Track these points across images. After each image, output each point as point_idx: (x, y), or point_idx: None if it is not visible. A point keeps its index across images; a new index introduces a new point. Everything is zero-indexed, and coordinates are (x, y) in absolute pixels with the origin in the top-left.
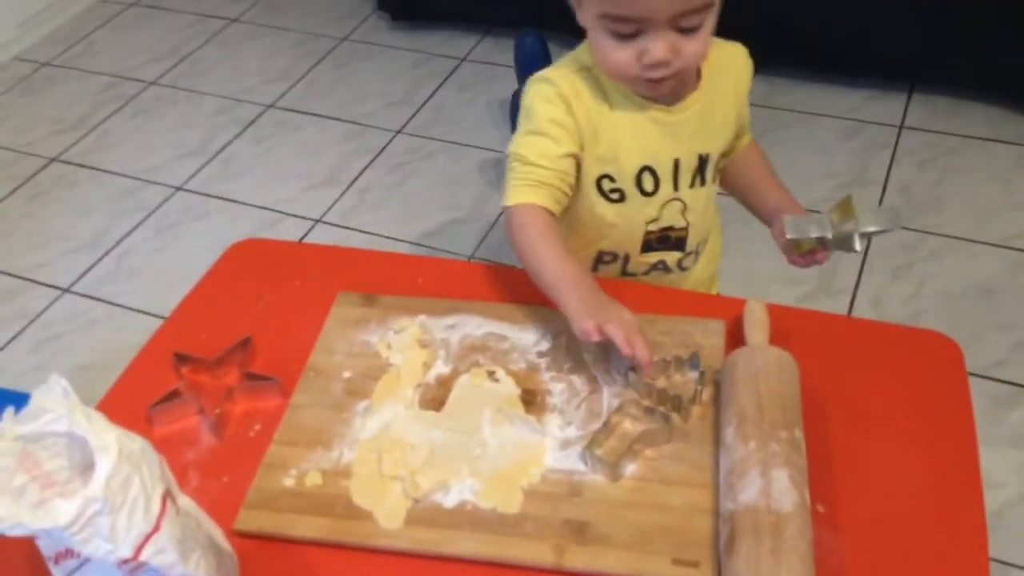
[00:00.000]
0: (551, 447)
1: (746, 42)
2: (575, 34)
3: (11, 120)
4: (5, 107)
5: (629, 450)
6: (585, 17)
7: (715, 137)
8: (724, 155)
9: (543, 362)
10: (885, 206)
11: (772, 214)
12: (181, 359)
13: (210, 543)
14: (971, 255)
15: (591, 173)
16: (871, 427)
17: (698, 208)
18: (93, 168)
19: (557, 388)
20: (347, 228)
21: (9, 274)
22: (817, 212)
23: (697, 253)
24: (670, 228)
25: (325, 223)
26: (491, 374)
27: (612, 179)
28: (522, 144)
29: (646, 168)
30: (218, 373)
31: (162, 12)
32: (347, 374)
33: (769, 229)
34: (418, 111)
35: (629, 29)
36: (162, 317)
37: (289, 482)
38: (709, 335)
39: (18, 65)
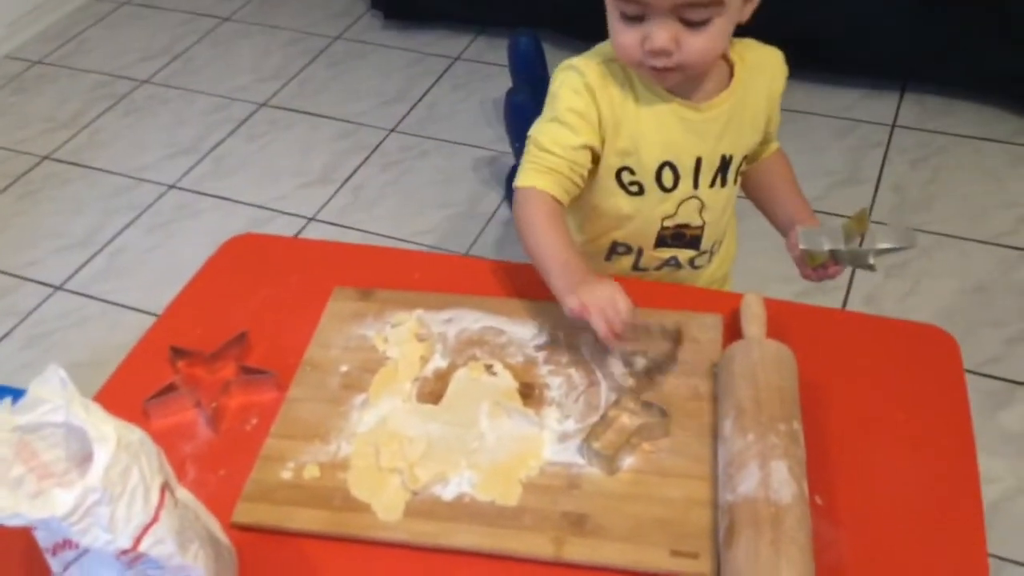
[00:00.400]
0: (549, 440)
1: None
2: (569, 34)
3: (2, 118)
4: None
5: (627, 443)
6: None
7: (741, 139)
8: (748, 158)
9: (541, 356)
10: (900, 224)
11: (787, 224)
12: (177, 353)
13: (208, 535)
14: (963, 253)
15: (611, 164)
16: (868, 420)
17: (716, 208)
18: (85, 166)
19: (555, 382)
20: (341, 226)
21: (1, 272)
22: (831, 223)
23: (712, 253)
24: (686, 226)
25: (318, 221)
26: (489, 368)
27: (632, 171)
28: (541, 130)
29: (667, 164)
30: (214, 367)
31: (154, 10)
32: (344, 368)
33: (784, 239)
34: (412, 109)
35: (634, 11)
36: (155, 315)
37: (287, 475)
38: (706, 329)
39: (9, 63)
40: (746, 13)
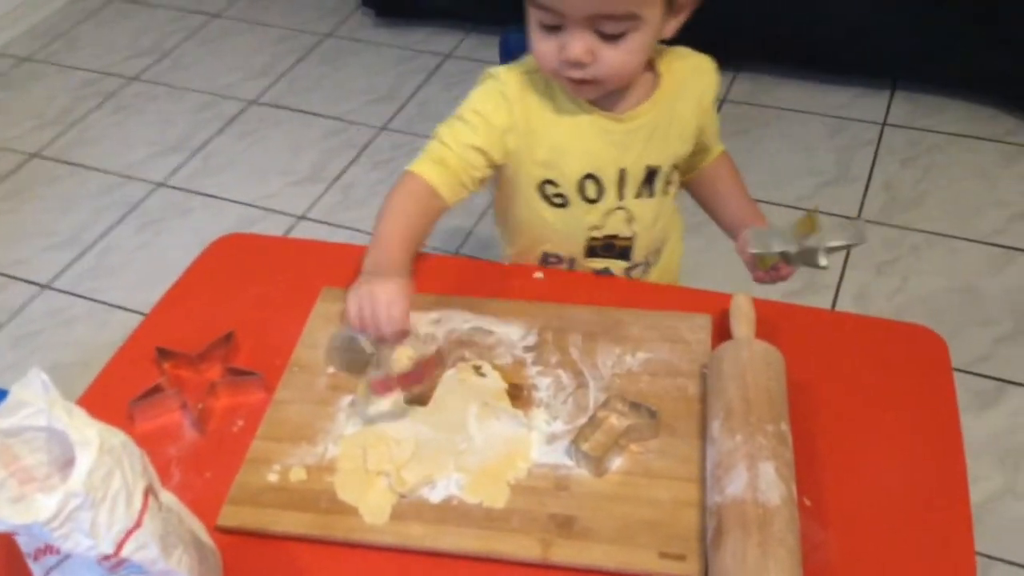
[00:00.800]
0: (537, 441)
1: (731, 40)
2: None
3: None
4: None
5: (615, 445)
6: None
7: (667, 149)
8: (681, 168)
9: (529, 357)
10: (849, 220)
11: (735, 227)
12: (163, 354)
13: (193, 539)
14: (953, 251)
15: (533, 175)
16: (857, 421)
17: (646, 219)
18: (73, 164)
19: (543, 383)
20: (331, 224)
21: None
22: (781, 223)
23: (648, 264)
24: (615, 236)
25: (308, 220)
26: (477, 369)
27: (555, 184)
28: (445, 124)
29: (589, 175)
30: (200, 368)
31: (143, 8)
32: (331, 369)
33: (734, 243)
34: (402, 107)
35: (550, 20)
36: (143, 314)
37: (273, 477)
38: (695, 329)
39: None
40: (669, 30)
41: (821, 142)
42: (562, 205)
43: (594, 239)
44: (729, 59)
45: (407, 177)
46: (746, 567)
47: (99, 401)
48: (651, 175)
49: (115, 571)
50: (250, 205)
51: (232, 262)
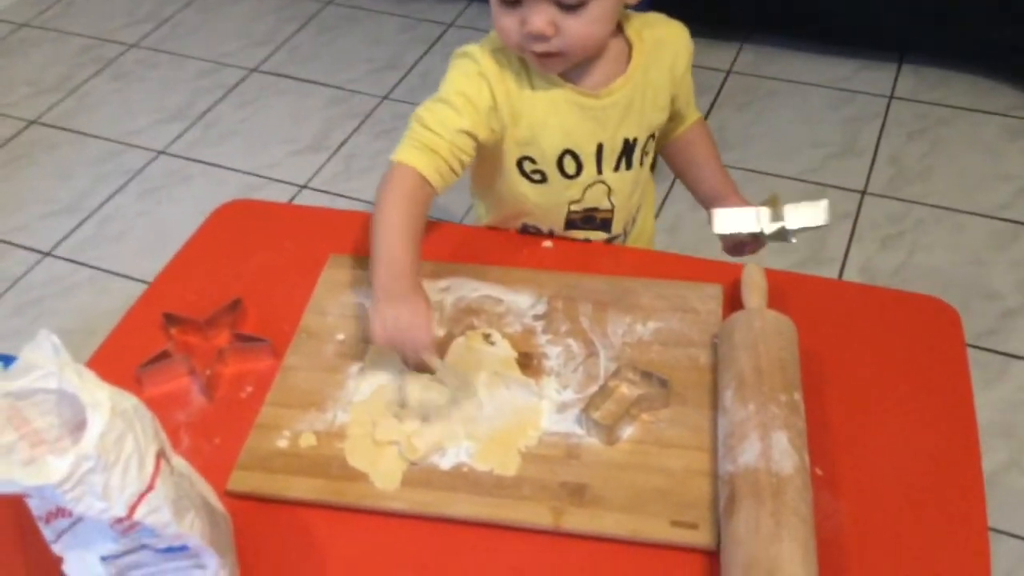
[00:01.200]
0: (548, 410)
1: (736, 11)
2: None
3: None
4: None
5: (626, 413)
6: None
7: (644, 121)
8: (657, 137)
9: (539, 325)
10: (813, 201)
11: (709, 199)
12: (170, 320)
13: (204, 503)
14: (959, 225)
15: (512, 154)
16: (869, 391)
17: (624, 191)
18: (73, 131)
19: (553, 351)
20: (333, 194)
21: None
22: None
23: (625, 234)
24: (595, 209)
25: (310, 189)
26: (487, 337)
27: (533, 160)
28: (427, 108)
29: (567, 151)
30: (208, 334)
31: None
32: (340, 336)
33: (707, 213)
34: (404, 77)
35: None
36: (145, 282)
37: (283, 443)
38: (706, 299)
39: None
40: None
41: (827, 114)
42: (541, 181)
43: (573, 212)
44: (734, 30)
45: (398, 171)
46: (759, 536)
47: (106, 366)
48: (629, 148)
49: (127, 534)
50: (251, 174)
51: (237, 228)
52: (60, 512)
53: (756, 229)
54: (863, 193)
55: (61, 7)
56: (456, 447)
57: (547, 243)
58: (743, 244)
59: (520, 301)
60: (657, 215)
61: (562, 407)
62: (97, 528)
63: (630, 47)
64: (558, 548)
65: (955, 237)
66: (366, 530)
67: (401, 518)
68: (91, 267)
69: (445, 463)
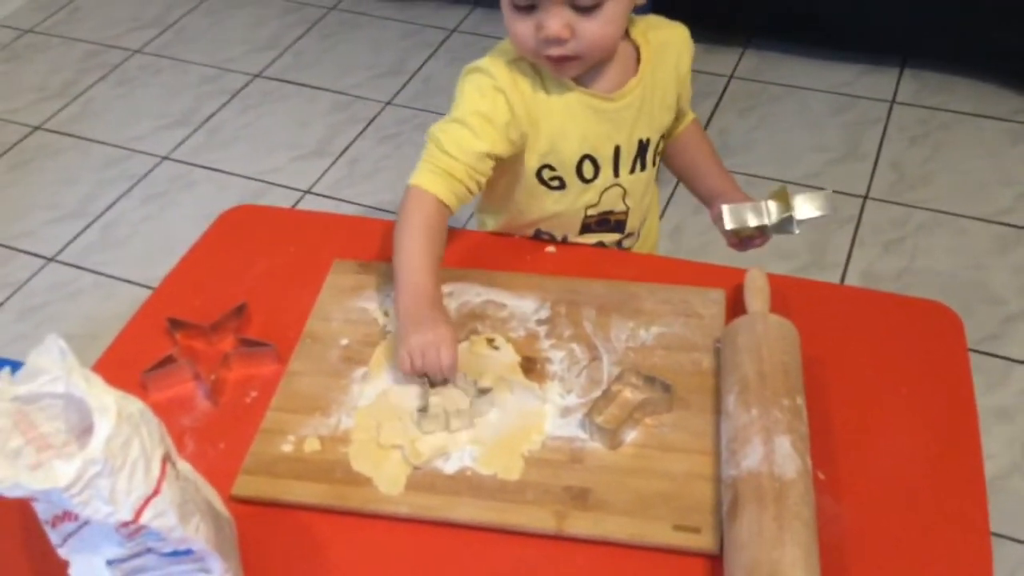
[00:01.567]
0: (551, 414)
1: (738, 16)
2: None
3: None
4: None
5: (629, 418)
6: None
7: (655, 121)
8: (664, 137)
9: (542, 330)
10: (818, 192)
11: (711, 198)
12: (175, 324)
13: (208, 508)
14: (961, 230)
15: (531, 164)
16: (871, 395)
17: (638, 192)
18: (77, 137)
19: (557, 356)
20: (336, 199)
21: None
22: (753, 200)
23: (637, 234)
24: (610, 212)
25: (314, 194)
26: (491, 342)
27: (552, 168)
28: (443, 129)
29: (586, 156)
30: (213, 339)
31: None
32: (344, 341)
33: (709, 212)
34: (408, 82)
35: (524, 0)
36: (149, 287)
37: (287, 448)
38: (709, 304)
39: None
40: None
41: (829, 119)
42: (559, 188)
43: (589, 216)
44: (736, 35)
45: (416, 196)
46: (762, 540)
47: (111, 371)
48: (643, 149)
49: (133, 538)
50: (255, 179)
51: (242, 234)
52: (66, 516)
53: (765, 222)
54: (865, 198)
55: (66, 13)
56: (460, 451)
57: (550, 248)
58: (750, 239)
59: (524, 306)
60: (660, 218)
61: (565, 411)
62: (103, 532)
63: (637, 49)
64: (561, 552)
65: (957, 242)
66: (370, 534)
67: (405, 522)
68: (95, 272)
69: (449, 467)
